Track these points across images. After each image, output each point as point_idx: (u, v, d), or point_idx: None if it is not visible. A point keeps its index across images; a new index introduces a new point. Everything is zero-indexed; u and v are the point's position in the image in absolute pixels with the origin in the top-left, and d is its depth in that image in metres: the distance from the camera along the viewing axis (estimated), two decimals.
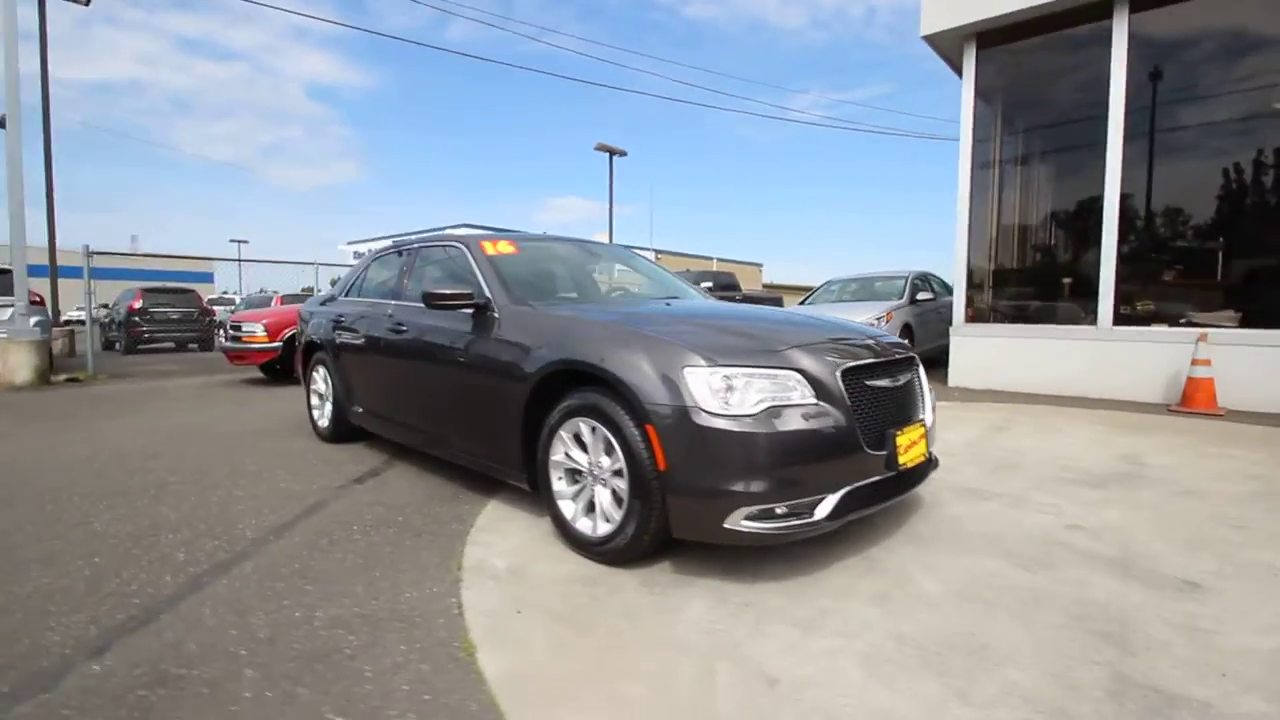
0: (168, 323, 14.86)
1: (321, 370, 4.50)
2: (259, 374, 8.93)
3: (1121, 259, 5.93)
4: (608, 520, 2.36)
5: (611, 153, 26.39)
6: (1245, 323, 5.47)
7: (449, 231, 27.40)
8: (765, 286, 38.87)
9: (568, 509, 2.53)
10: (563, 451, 2.53)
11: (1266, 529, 2.72)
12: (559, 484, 2.56)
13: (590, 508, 2.46)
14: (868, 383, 2.33)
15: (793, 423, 2.08)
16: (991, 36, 6.45)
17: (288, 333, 7.98)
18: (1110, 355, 5.96)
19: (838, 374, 2.23)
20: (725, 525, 2.06)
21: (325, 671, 1.72)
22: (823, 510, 2.13)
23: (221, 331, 16.96)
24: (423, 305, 3.40)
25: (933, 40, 6.68)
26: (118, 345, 15.18)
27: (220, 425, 5.22)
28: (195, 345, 15.54)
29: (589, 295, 3.40)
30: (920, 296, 8.42)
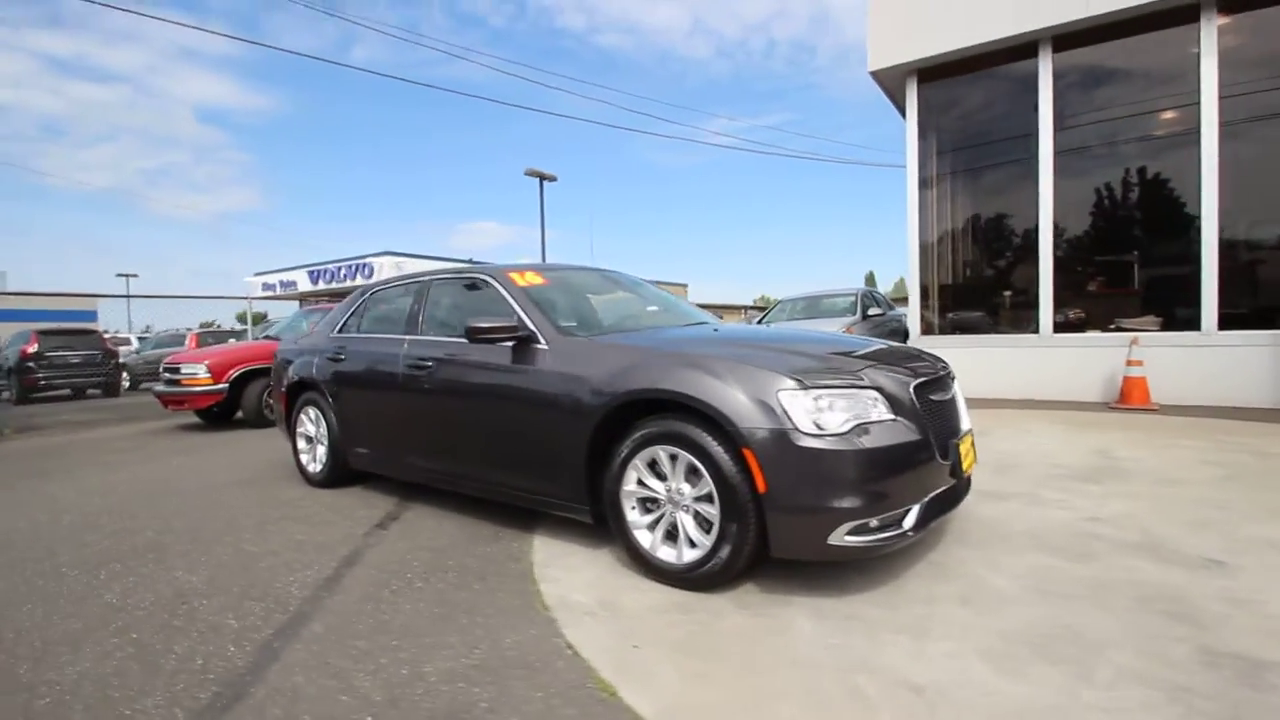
0: (68, 367, 13.46)
1: (313, 412, 4.25)
2: (194, 419, 8.26)
3: (1057, 272, 6.55)
4: (694, 546, 2.38)
5: (542, 178, 26.40)
6: (1165, 326, 6.17)
7: (372, 260, 26.21)
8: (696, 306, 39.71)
9: (644, 539, 2.52)
10: (635, 481, 2.54)
11: (1246, 508, 3.08)
12: (632, 514, 2.56)
13: (669, 535, 2.47)
14: (930, 397, 2.49)
15: (879, 439, 2.19)
16: (931, 72, 7.05)
17: (235, 373, 7.46)
18: (1052, 360, 6.54)
19: (910, 389, 2.37)
20: (829, 542, 2.13)
21: None
22: (909, 521, 2.25)
23: (126, 375, 15.55)
24: (448, 340, 3.36)
25: (878, 75, 7.21)
26: (6, 395, 13.58)
27: (184, 478, 4.80)
28: (99, 391, 14.14)
29: (624, 323, 3.42)
30: (871, 311, 8.93)
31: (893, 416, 2.28)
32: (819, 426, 2.15)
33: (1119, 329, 6.38)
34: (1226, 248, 5.78)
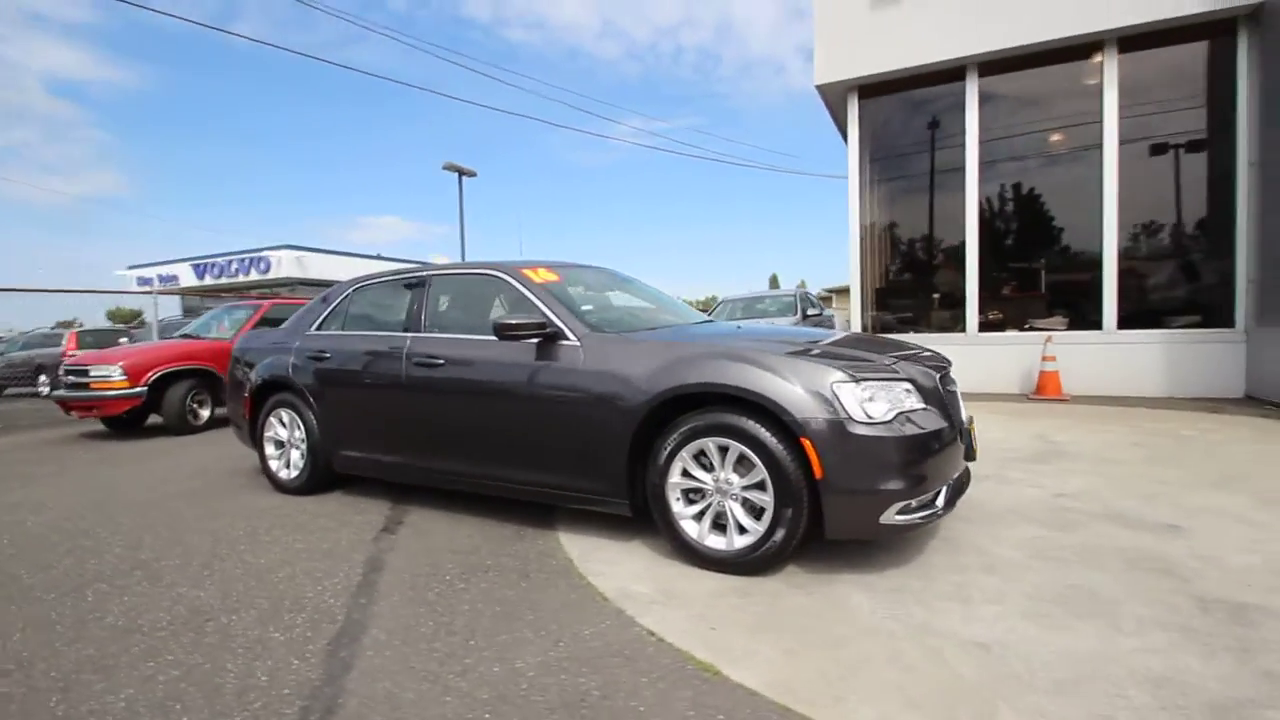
0: None
1: (285, 415, 3.99)
2: (95, 427, 7.47)
3: (981, 277, 7.22)
4: (744, 532, 2.49)
5: (460, 172, 25.64)
6: (1071, 326, 6.96)
7: (269, 253, 24.56)
8: None
9: (691, 529, 2.61)
10: (680, 473, 2.62)
11: (1181, 481, 3.58)
12: (678, 505, 2.64)
13: (717, 524, 2.58)
14: (946, 387, 2.74)
15: (918, 426, 2.40)
16: (870, 89, 7.56)
17: (154, 375, 6.80)
18: (978, 356, 7.20)
19: (936, 380, 2.61)
20: (880, 521, 2.32)
21: (596, 715, 1.68)
22: (940, 500, 2.48)
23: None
24: (463, 337, 3.31)
25: (823, 89, 7.64)
26: None
27: (126, 490, 4.36)
28: None
29: (638, 319, 3.47)
30: (810, 311, 9.42)
31: (924, 405, 2.50)
32: (868, 416, 2.33)
33: (1032, 328, 7.13)
34: (1125, 256, 6.61)
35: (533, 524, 3.25)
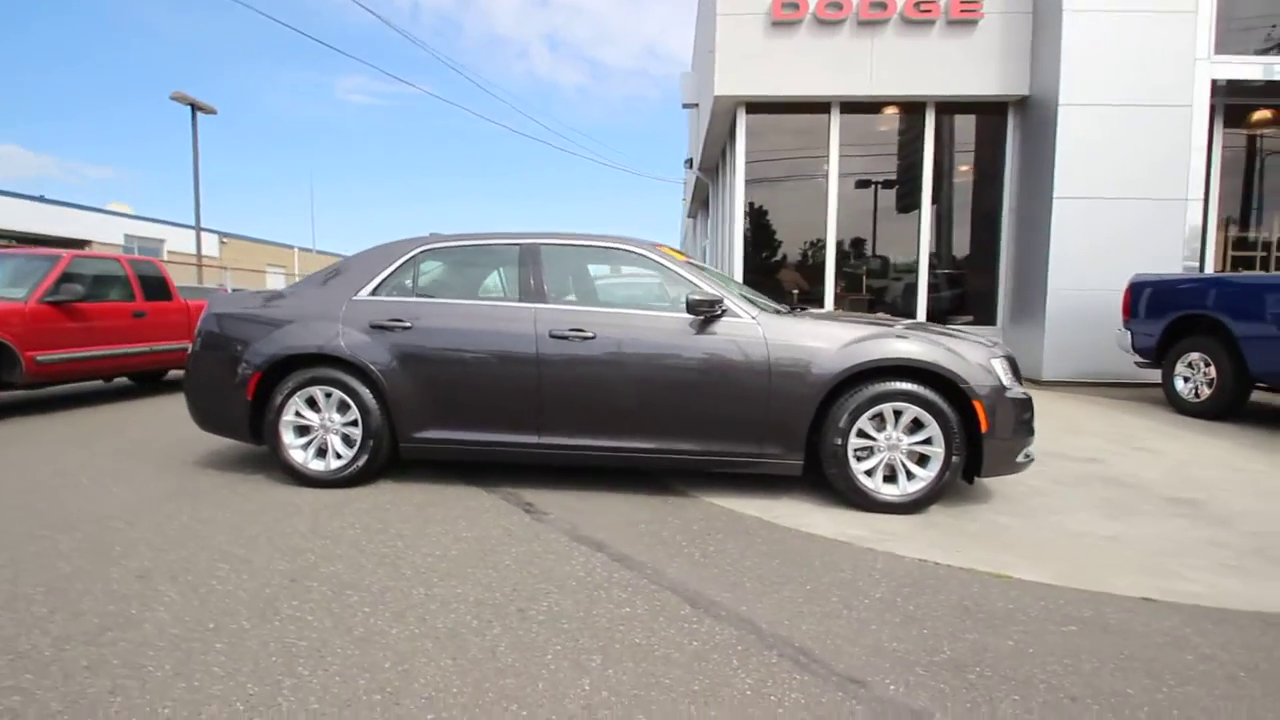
0: None
1: (324, 394, 3.36)
2: None
3: (837, 278, 8.82)
4: (913, 478, 3.09)
5: (195, 107, 21.05)
6: (974, 323, 8.88)
7: None
8: None
9: (868, 481, 3.12)
10: (856, 433, 3.10)
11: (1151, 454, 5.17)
12: (855, 463, 3.11)
13: (889, 474, 3.13)
14: None
15: (1024, 391, 3.26)
16: (755, 107, 8.61)
17: None
18: None
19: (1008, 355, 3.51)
20: (1017, 460, 3.12)
21: (990, 622, 2.12)
22: (1032, 448, 3.37)
23: None
24: (619, 310, 3.33)
25: (719, 99, 8.45)
26: None
27: (73, 492, 3.16)
28: None
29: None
30: None
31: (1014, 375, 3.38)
32: (1008, 383, 3.11)
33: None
34: (933, 264, 8.73)
35: (675, 493, 3.38)
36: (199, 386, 3.61)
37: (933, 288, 8.79)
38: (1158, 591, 2.33)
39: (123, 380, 7.38)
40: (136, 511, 3.04)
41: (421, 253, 3.55)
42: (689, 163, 15.21)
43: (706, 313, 3.11)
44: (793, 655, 1.87)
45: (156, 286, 6.54)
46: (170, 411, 5.87)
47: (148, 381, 7.55)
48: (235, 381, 3.44)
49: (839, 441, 3.10)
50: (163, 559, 2.49)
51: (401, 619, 2.05)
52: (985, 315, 8.75)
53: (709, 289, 3.24)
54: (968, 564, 2.55)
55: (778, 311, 3.39)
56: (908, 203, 8.83)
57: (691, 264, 3.44)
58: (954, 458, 3.05)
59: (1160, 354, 6.06)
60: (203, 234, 18.67)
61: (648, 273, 3.89)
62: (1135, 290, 6.34)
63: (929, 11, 7.87)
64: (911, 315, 8.74)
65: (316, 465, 3.42)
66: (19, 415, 5.48)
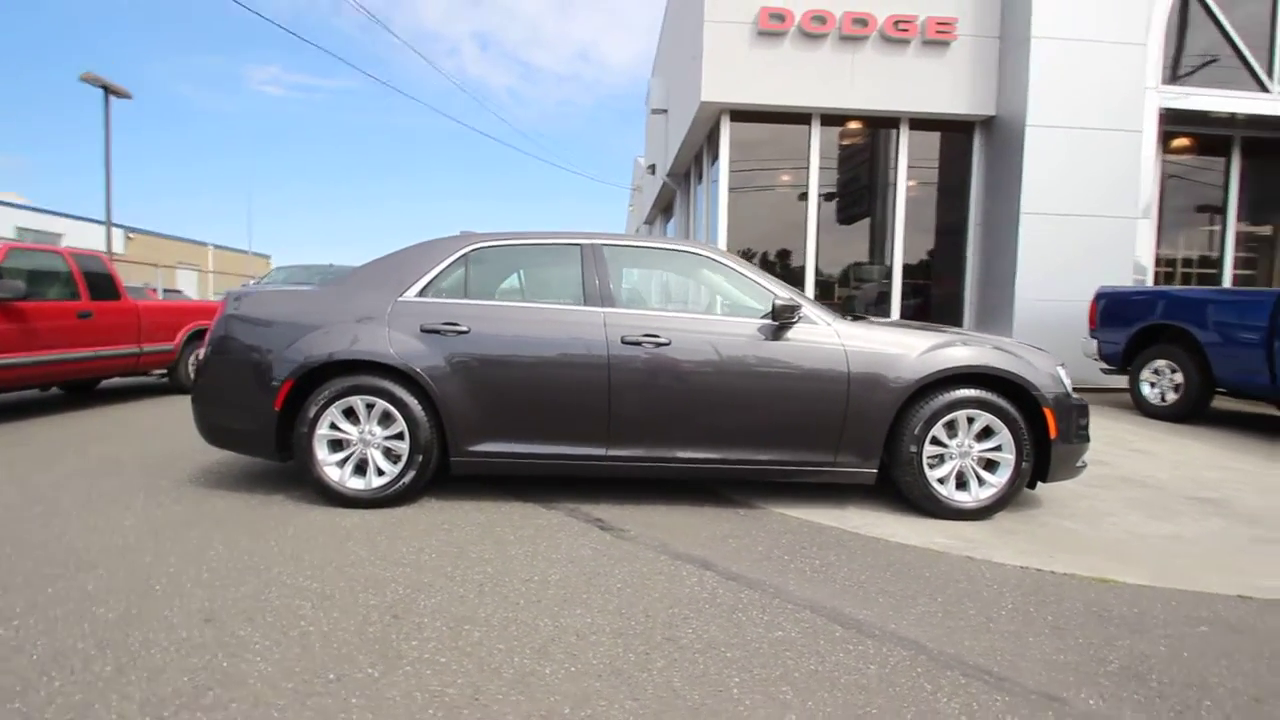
0: None
1: (366, 404, 3.06)
2: None
3: (816, 282, 8.99)
4: (984, 485, 3.13)
5: (108, 90, 19.27)
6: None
7: None
8: None
9: (940, 489, 3.13)
10: (930, 440, 3.11)
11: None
12: (930, 471, 3.12)
13: (959, 481, 3.15)
14: None
15: (1081, 398, 3.37)
16: (740, 115, 8.66)
17: None
18: None
19: None
20: (1076, 465, 3.22)
21: (1106, 628, 2.15)
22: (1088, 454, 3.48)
23: None
24: (695, 315, 3.22)
25: (705, 105, 8.45)
26: None
27: (66, 514, 2.71)
28: None
29: None
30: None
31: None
32: (1071, 390, 3.21)
33: None
34: (906, 273, 9.06)
35: (726, 505, 3.28)
36: (212, 397, 3.21)
37: (903, 295, 9.11)
38: (1248, 589, 2.44)
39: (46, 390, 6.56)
40: (157, 541, 2.65)
41: (472, 251, 3.30)
42: (652, 168, 15.18)
43: (788, 318, 3.04)
44: (977, 675, 1.81)
45: (103, 284, 5.84)
46: (124, 421, 5.24)
47: (81, 390, 6.75)
48: (260, 391, 3.08)
49: (914, 449, 3.10)
50: (223, 597, 2.17)
51: (547, 656, 1.85)
52: (952, 322, 9.15)
53: (787, 294, 3.17)
54: (1067, 569, 2.59)
55: (852, 318, 3.36)
56: (859, 214, 9.15)
57: (757, 269, 3.36)
58: (1024, 464, 3.11)
59: (1126, 361, 6.50)
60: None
61: (714, 276, 3.70)
62: (1101, 301, 6.78)
63: (906, 30, 8.17)
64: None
65: (355, 483, 3.10)
66: None
